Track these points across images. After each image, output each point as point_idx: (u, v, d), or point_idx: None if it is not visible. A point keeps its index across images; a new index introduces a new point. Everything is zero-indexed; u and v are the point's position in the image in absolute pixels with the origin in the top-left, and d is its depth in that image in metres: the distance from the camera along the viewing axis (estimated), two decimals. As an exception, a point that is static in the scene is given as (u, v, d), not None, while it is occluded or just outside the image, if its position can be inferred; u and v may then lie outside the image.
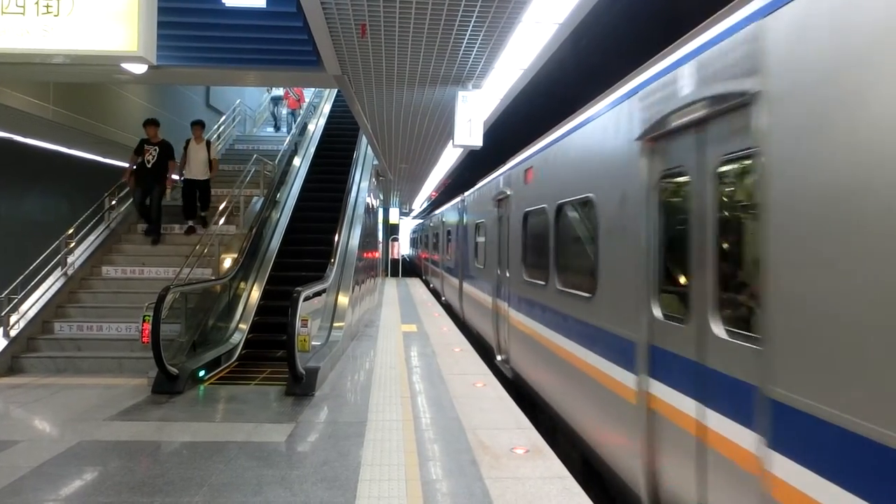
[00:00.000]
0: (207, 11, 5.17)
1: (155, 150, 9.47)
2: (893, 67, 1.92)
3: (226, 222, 9.60)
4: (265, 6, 5.03)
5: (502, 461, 4.29)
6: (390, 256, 27.83)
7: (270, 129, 18.08)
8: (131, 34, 4.18)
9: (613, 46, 11.31)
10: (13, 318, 7.54)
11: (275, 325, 8.14)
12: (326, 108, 16.90)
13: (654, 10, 10.45)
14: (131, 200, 9.88)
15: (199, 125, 10.10)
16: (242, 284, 8.99)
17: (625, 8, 10.21)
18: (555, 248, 5.79)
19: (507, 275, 7.85)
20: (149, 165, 9.39)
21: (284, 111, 17.66)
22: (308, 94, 18.34)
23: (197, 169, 9.87)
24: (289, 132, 16.89)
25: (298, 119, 17.30)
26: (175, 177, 10.02)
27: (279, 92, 17.51)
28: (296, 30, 5.32)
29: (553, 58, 5.95)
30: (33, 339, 7.53)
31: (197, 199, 10.03)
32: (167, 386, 6.18)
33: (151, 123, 9.63)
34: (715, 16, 3.10)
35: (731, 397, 2.77)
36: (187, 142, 10.04)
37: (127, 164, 9.71)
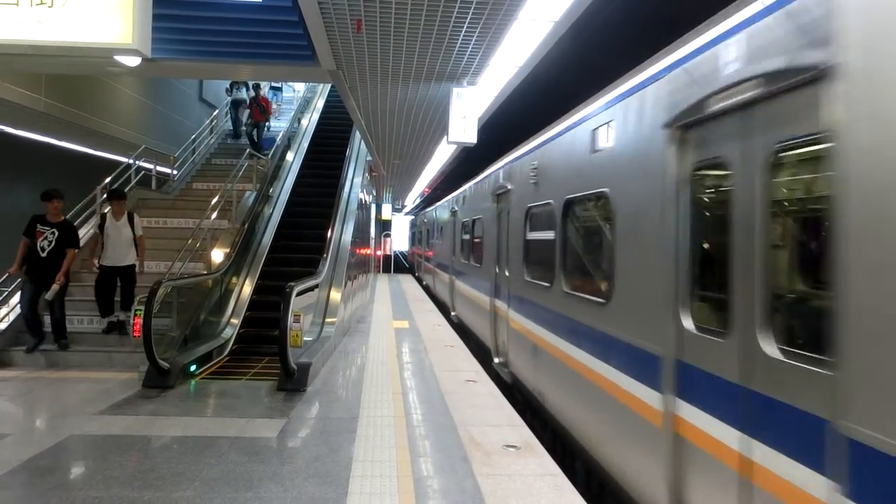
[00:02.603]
0: (202, 4, 5.14)
1: (53, 233, 7.10)
2: None
3: (218, 217, 9.55)
4: (260, 0, 5.01)
5: (494, 458, 4.31)
6: (383, 252, 27.85)
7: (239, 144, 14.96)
8: (126, 26, 4.15)
9: (610, 44, 11.34)
10: (3, 311, 7.48)
11: (267, 320, 8.12)
12: (320, 104, 16.88)
13: (652, 9, 10.48)
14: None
15: (117, 197, 7.75)
16: (234, 279, 8.96)
17: (622, 6, 10.23)
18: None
19: (507, 274, 7.64)
20: (43, 254, 7.03)
21: (246, 115, 15.05)
22: (299, 90, 18.25)
23: (117, 252, 7.54)
24: (252, 143, 14.07)
25: (270, 134, 14.78)
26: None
27: (242, 95, 15.20)
28: (291, 24, 5.30)
29: (548, 55, 5.96)
30: (23, 333, 7.46)
31: (117, 292, 7.59)
32: (158, 380, 6.15)
33: (53, 196, 7.18)
34: None
35: (789, 431, 2.40)
36: (102, 217, 7.84)
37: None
